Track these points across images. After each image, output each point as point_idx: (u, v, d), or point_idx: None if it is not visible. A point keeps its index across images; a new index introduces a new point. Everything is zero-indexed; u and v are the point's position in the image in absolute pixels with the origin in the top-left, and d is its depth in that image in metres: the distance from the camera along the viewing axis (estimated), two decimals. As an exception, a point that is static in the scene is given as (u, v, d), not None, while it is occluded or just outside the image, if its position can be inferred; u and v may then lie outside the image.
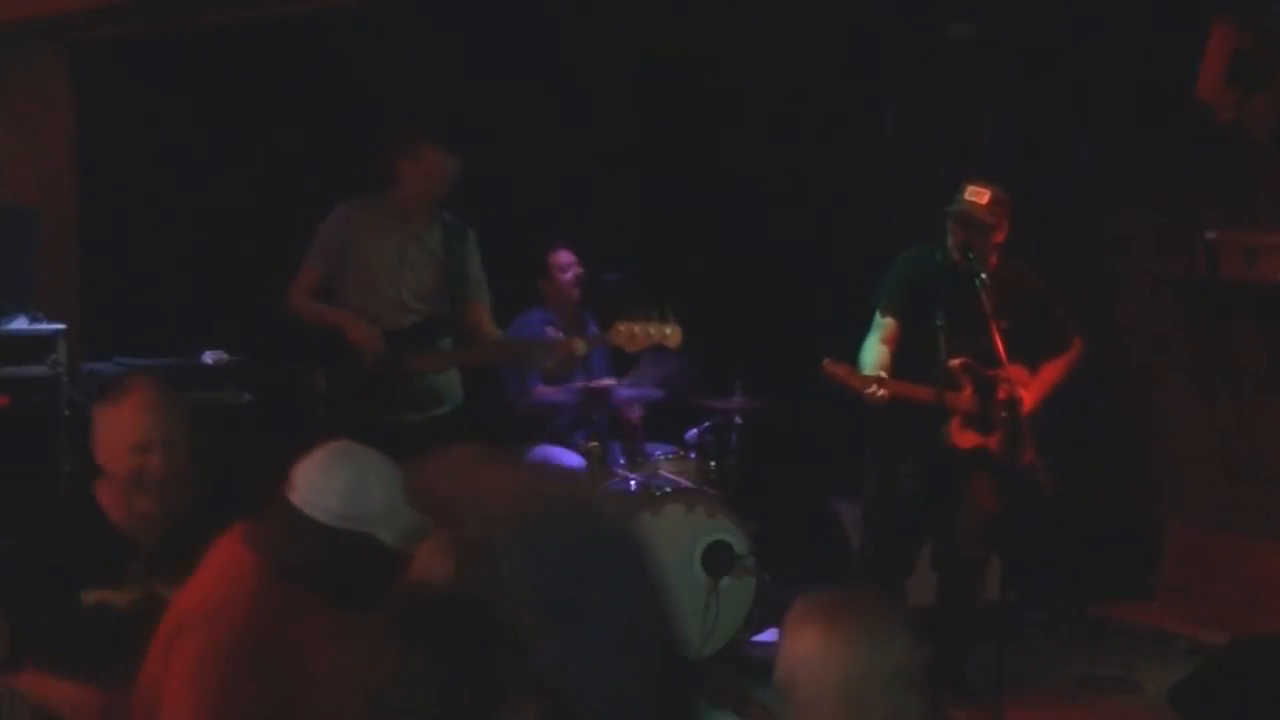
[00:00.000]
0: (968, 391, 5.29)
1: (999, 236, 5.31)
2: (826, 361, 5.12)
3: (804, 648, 2.40)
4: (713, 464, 6.40)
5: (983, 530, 5.38)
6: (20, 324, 5.43)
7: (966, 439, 5.32)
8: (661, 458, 6.40)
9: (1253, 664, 4.89)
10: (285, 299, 5.36)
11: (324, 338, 5.30)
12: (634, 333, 5.37)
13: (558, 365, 5.58)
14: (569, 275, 6.51)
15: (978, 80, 7.15)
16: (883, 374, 5.13)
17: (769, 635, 6.25)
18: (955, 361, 5.25)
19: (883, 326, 5.36)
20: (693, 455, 6.45)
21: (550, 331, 6.30)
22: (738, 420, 6.44)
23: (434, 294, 5.43)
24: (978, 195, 5.26)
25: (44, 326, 5.48)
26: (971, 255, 5.20)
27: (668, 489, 6.04)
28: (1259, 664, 4.87)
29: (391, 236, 5.38)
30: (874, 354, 5.27)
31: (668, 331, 5.37)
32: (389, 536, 2.83)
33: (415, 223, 5.41)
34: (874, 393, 5.04)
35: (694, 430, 6.59)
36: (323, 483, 2.83)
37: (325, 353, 5.29)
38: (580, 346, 5.47)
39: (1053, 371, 5.48)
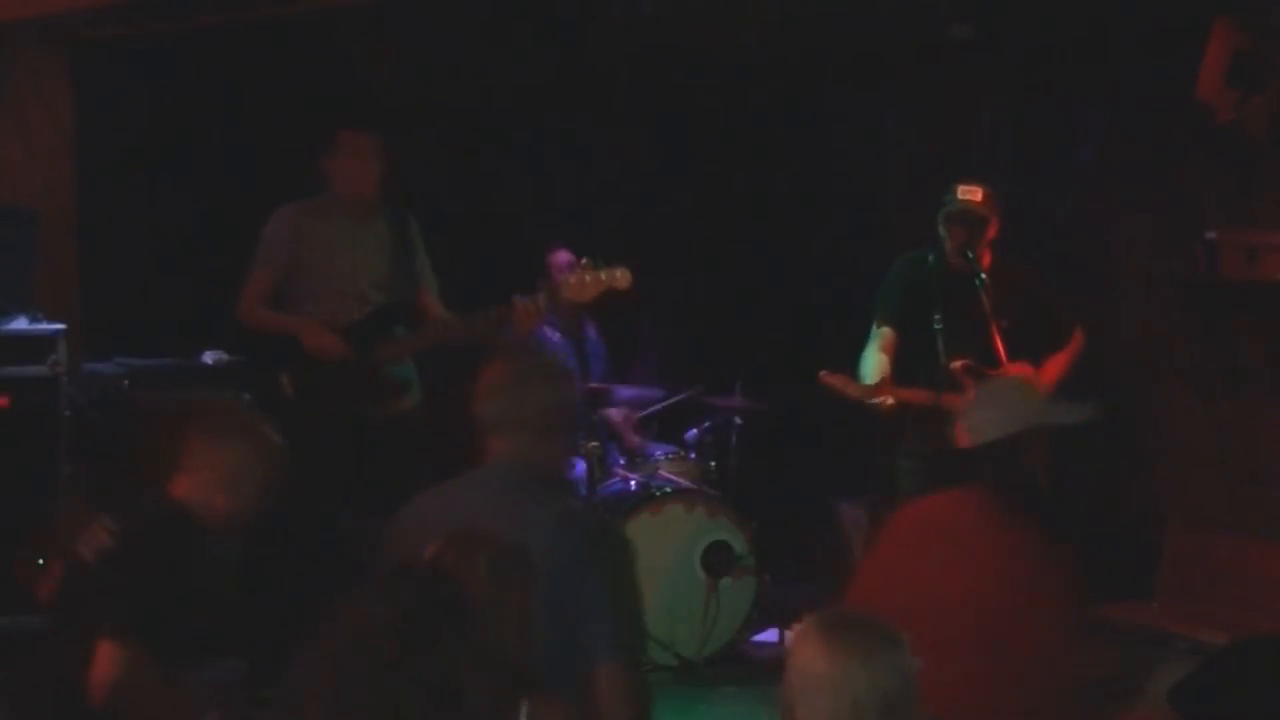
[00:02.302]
0: (971, 392, 5.28)
1: (992, 231, 5.35)
2: (823, 373, 5.11)
3: (800, 669, 2.40)
4: (713, 464, 6.40)
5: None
6: (20, 324, 5.42)
7: (970, 438, 5.31)
8: (661, 458, 6.41)
9: (1253, 664, 4.87)
10: (235, 311, 5.31)
11: (289, 340, 5.26)
12: (584, 281, 5.26)
13: (523, 319, 5.28)
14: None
15: (978, 80, 7.15)
16: (882, 379, 5.14)
17: (769, 635, 6.26)
18: (957, 364, 5.24)
19: (880, 335, 5.37)
20: (693, 455, 6.46)
21: (548, 332, 6.30)
22: (738, 420, 6.44)
23: (390, 283, 5.40)
24: (971, 193, 5.32)
25: (44, 326, 5.45)
26: (971, 255, 5.20)
27: (668, 489, 6.05)
28: (1259, 664, 4.85)
29: (340, 230, 5.37)
30: (873, 363, 5.27)
31: (617, 274, 5.25)
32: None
33: (357, 213, 5.39)
34: (881, 402, 5.06)
35: (694, 430, 6.59)
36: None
37: (291, 355, 5.25)
38: (543, 301, 5.26)
39: (1057, 366, 5.48)
